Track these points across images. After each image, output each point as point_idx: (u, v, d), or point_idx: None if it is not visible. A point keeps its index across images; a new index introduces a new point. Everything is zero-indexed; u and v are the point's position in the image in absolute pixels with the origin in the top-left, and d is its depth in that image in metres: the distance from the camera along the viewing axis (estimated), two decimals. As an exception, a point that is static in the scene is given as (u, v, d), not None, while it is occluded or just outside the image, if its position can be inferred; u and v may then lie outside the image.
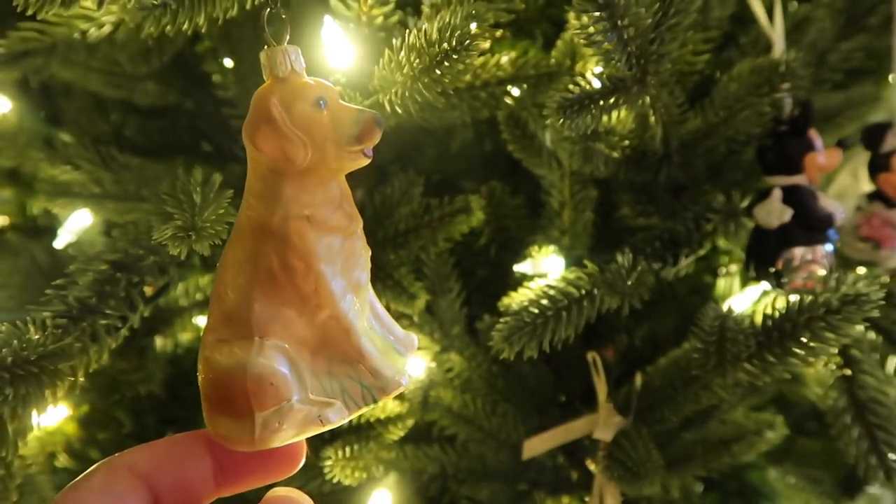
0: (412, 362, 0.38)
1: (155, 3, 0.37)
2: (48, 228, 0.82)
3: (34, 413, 0.35)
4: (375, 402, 0.34)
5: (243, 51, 0.66)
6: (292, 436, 0.32)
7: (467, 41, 0.41)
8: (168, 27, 0.38)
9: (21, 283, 0.75)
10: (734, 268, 0.76)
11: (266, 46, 0.33)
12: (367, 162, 0.33)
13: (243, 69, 0.67)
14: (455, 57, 0.41)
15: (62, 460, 0.63)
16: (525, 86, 0.58)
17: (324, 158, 0.32)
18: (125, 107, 0.76)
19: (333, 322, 0.33)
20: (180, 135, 0.73)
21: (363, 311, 0.35)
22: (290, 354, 0.32)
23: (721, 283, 0.75)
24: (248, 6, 0.40)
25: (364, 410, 0.34)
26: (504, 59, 0.56)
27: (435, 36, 0.41)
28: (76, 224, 0.69)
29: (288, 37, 0.35)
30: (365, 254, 0.35)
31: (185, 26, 0.39)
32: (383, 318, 0.37)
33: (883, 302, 0.43)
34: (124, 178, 0.61)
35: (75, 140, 0.68)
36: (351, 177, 0.37)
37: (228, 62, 0.68)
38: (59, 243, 0.72)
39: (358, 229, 0.34)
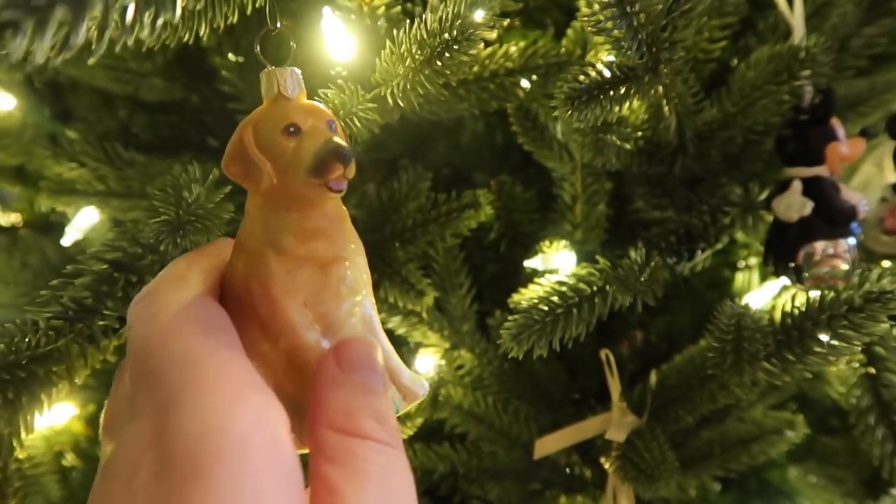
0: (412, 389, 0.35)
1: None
2: (59, 225, 0.82)
3: (28, 417, 0.35)
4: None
5: (248, 45, 0.65)
6: None
7: (469, 31, 0.39)
8: (168, 40, 0.38)
9: (31, 280, 0.75)
10: (753, 262, 0.74)
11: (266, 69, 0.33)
12: (336, 196, 0.32)
13: (248, 64, 0.66)
14: (456, 48, 0.39)
15: (69, 459, 0.63)
16: (535, 76, 0.56)
17: (288, 188, 0.31)
18: (133, 103, 0.76)
19: (295, 352, 0.32)
20: (187, 130, 0.73)
21: None
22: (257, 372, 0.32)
23: (739, 278, 0.73)
24: (248, 11, 0.39)
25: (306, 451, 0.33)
26: (512, 49, 0.55)
27: (436, 26, 0.39)
28: (84, 221, 0.69)
29: (294, 46, 0.34)
30: (346, 290, 0.32)
31: (186, 37, 0.38)
32: (386, 361, 0.34)
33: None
34: (128, 175, 0.61)
35: (81, 137, 0.67)
36: (359, 171, 0.36)
37: (233, 57, 0.68)
38: (67, 241, 0.72)
39: (336, 264, 0.32)
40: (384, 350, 0.34)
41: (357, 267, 0.33)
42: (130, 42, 0.26)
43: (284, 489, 0.25)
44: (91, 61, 0.25)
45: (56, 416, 0.55)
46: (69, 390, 0.40)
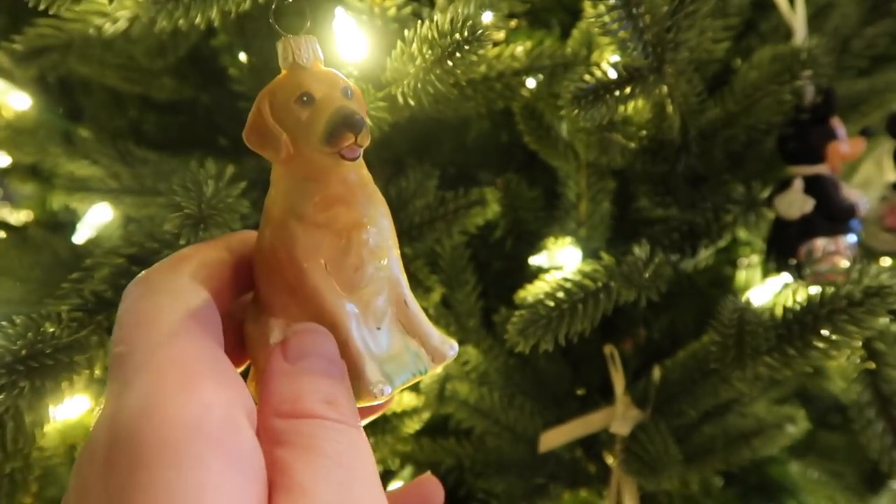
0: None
1: (168, -3, 0.37)
2: (69, 223, 0.83)
3: (50, 406, 0.36)
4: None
5: (258, 45, 0.66)
6: None
7: (479, 32, 0.40)
8: (181, 21, 0.38)
9: (42, 277, 0.76)
10: (755, 259, 0.75)
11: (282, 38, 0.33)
12: (351, 164, 0.32)
13: (259, 63, 0.67)
14: (467, 48, 0.40)
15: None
16: (540, 76, 0.57)
17: (303, 156, 0.31)
18: (143, 102, 0.77)
19: (322, 316, 0.32)
20: (197, 129, 0.74)
21: (365, 310, 0.33)
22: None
23: (741, 275, 0.74)
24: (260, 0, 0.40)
25: None
26: (519, 49, 0.56)
27: (447, 27, 0.40)
28: (95, 219, 0.70)
29: (308, 24, 0.35)
30: (368, 254, 0.33)
31: (198, 20, 0.39)
32: (412, 319, 0.35)
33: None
34: (141, 172, 0.62)
35: (93, 135, 0.68)
36: (368, 168, 0.37)
37: (244, 56, 0.69)
38: (79, 238, 0.73)
39: (357, 229, 0.33)
40: (410, 308, 0.34)
41: (381, 231, 0.33)
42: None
43: (237, 473, 0.25)
44: (117, 22, 0.25)
45: (71, 410, 0.56)
46: (86, 383, 0.41)
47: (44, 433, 0.39)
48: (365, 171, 0.34)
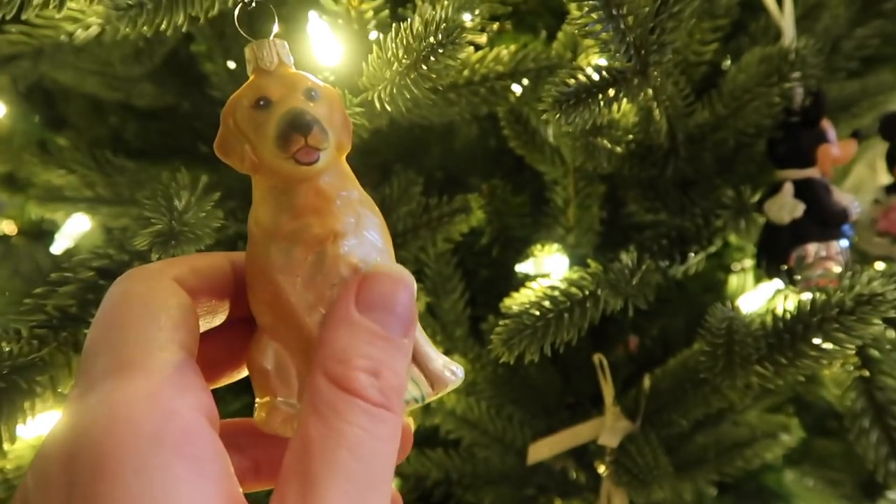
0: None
1: (130, 3, 0.36)
2: (50, 233, 0.82)
3: (10, 427, 0.35)
4: None
5: (238, 50, 0.65)
6: (281, 431, 0.31)
7: (455, 35, 0.39)
8: (146, 28, 0.37)
9: (23, 288, 0.75)
10: (747, 265, 0.74)
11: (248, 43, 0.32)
12: (308, 169, 0.29)
13: (239, 69, 0.66)
14: (442, 52, 0.39)
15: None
16: (526, 80, 0.56)
17: (265, 164, 0.30)
18: (124, 109, 0.76)
19: (297, 334, 0.30)
20: (178, 136, 0.73)
21: None
22: (280, 354, 0.32)
23: (733, 281, 0.73)
24: (229, 3, 0.39)
25: None
26: (503, 52, 0.54)
27: (421, 30, 0.39)
28: (74, 229, 0.68)
29: (275, 27, 0.33)
30: (348, 268, 0.30)
31: (164, 26, 0.38)
32: (414, 345, 0.32)
33: (898, 300, 0.41)
34: (118, 181, 0.61)
35: (71, 144, 0.67)
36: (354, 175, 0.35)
37: (228, 63, 0.67)
38: (57, 248, 0.71)
39: (331, 241, 0.30)
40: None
41: (364, 243, 0.30)
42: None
43: (201, 477, 0.25)
44: (88, 28, 0.24)
45: (43, 426, 0.54)
46: (55, 399, 0.39)
47: (6, 454, 0.37)
48: (346, 177, 0.32)
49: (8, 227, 0.88)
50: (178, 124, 0.73)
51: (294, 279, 0.30)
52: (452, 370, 0.32)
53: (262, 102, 0.29)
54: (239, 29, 0.32)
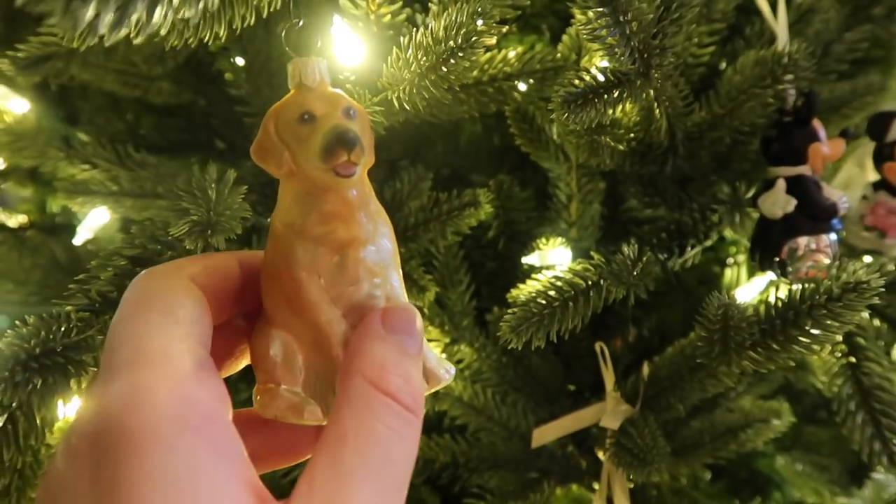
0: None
1: (179, 17, 0.38)
2: (67, 226, 0.84)
3: (60, 403, 0.37)
4: None
5: (255, 49, 0.67)
6: (281, 416, 0.34)
7: (473, 38, 0.42)
8: (191, 39, 0.39)
9: (41, 279, 0.77)
10: (741, 258, 0.77)
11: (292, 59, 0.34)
12: (346, 181, 0.33)
13: (255, 67, 0.68)
14: (461, 54, 0.42)
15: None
16: (532, 80, 0.59)
17: (305, 172, 0.33)
18: (140, 106, 0.78)
19: (316, 329, 0.33)
20: (195, 132, 0.75)
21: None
22: (288, 345, 0.34)
23: (728, 274, 0.76)
24: (265, 14, 0.41)
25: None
26: (510, 54, 0.57)
27: (441, 34, 0.42)
28: (94, 222, 0.71)
29: (319, 44, 0.36)
30: (365, 272, 0.34)
31: (207, 37, 0.40)
32: None
33: (883, 289, 0.44)
34: (141, 175, 0.63)
35: (92, 139, 0.69)
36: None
37: (240, 60, 0.70)
38: (78, 240, 0.74)
39: (354, 246, 0.34)
40: None
41: (380, 250, 0.34)
42: (169, 36, 0.28)
43: (221, 459, 0.27)
44: (138, 40, 0.26)
45: (71, 410, 0.57)
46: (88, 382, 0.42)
47: (52, 430, 0.40)
48: (368, 190, 0.35)
49: (22, 221, 0.91)
50: (193, 121, 0.76)
51: (317, 277, 0.33)
52: (446, 368, 0.36)
53: (306, 117, 0.33)
54: (286, 47, 0.35)
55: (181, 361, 0.29)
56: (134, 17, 0.25)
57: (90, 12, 0.23)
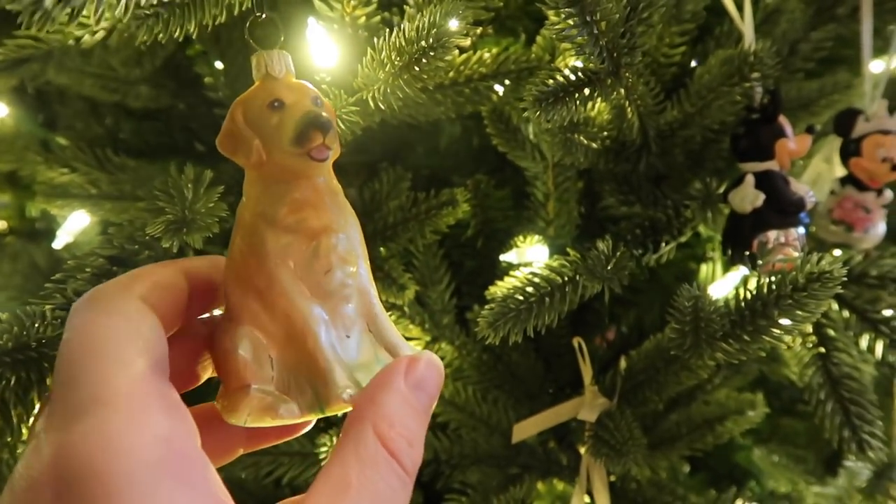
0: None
1: (147, 12, 0.39)
2: (46, 231, 0.84)
3: (35, 398, 0.37)
4: (322, 411, 0.33)
5: (233, 53, 0.68)
6: (251, 420, 0.33)
7: (444, 39, 0.43)
8: (160, 35, 0.40)
9: (21, 284, 0.77)
10: (716, 254, 0.78)
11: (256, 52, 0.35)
12: (319, 165, 0.33)
13: (233, 71, 0.69)
14: (433, 54, 0.42)
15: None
16: (507, 81, 0.60)
17: (274, 160, 0.33)
18: (119, 110, 0.78)
19: (291, 321, 0.33)
20: (174, 136, 0.75)
21: (335, 316, 0.34)
22: (257, 343, 0.34)
23: (704, 269, 0.77)
24: (235, 12, 0.42)
25: (312, 417, 0.34)
26: (486, 55, 0.58)
27: (413, 34, 0.43)
28: (74, 225, 0.71)
29: (282, 38, 0.37)
30: (338, 259, 0.34)
31: (177, 33, 0.41)
32: (383, 332, 0.36)
33: (846, 279, 0.45)
34: (120, 179, 0.63)
35: (71, 143, 0.69)
36: (342, 174, 0.38)
37: (219, 64, 0.70)
38: (58, 244, 0.74)
39: (327, 234, 0.34)
40: (380, 320, 0.35)
41: (350, 239, 0.35)
42: (126, 15, 0.28)
43: (202, 501, 0.26)
44: (96, 33, 0.27)
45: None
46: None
47: (28, 427, 0.40)
48: (335, 182, 0.35)
49: (2, 226, 0.90)
50: (172, 124, 0.76)
51: (290, 267, 0.33)
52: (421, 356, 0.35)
53: (276, 104, 0.33)
54: (249, 40, 0.36)
55: (149, 400, 0.28)
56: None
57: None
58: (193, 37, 0.37)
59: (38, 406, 0.37)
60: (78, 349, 0.29)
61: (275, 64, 0.34)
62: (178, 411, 0.29)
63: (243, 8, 0.39)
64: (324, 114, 0.33)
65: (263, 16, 0.36)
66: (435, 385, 0.33)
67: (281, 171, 0.33)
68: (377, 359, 0.35)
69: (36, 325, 0.37)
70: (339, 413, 0.34)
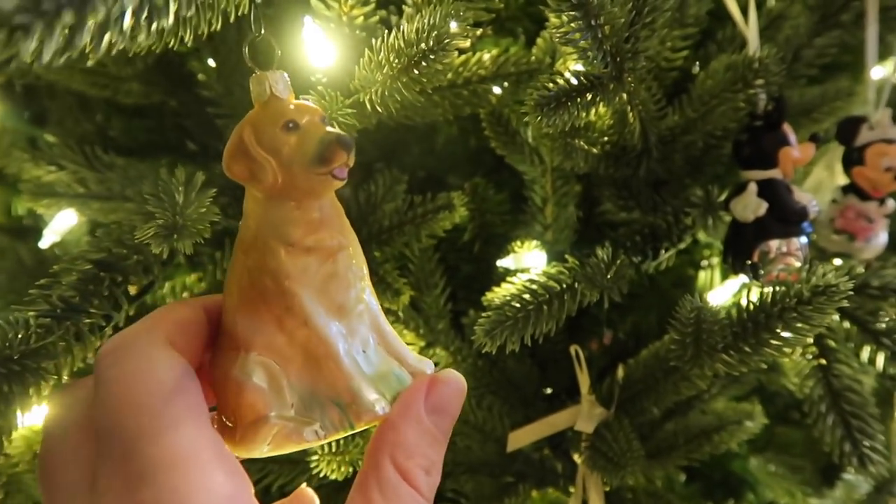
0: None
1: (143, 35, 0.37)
2: (33, 229, 0.82)
3: (18, 412, 0.36)
4: (352, 427, 0.34)
5: (226, 50, 0.66)
6: (270, 449, 0.33)
7: (445, 41, 0.41)
8: (155, 46, 0.39)
9: (6, 283, 0.75)
10: (715, 261, 0.77)
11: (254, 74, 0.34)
12: (339, 184, 0.33)
13: (226, 68, 0.67)
14: (433, 57, 0.41)
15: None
16: (506, 83, 0.59)
17: (293, 180, 0.32)
18: (109, 106, 0.76)
19: (312, 341, 0.33)
20: (165, 134, 0.74)
21: (352, 332, 0.34)
22: (271, 369, 0.33)
23: (702, 277, 0.76)
24: (231, 19, 0.40)
25: (341, 435, 0.34)
26: (485, 57, 0.57)
27: (413, 36, 0.41)
28: (61, 224, 0.69)
29: (279, 54, 0.36)
30: (353, 277, 0.34)
31: (172, 42, 0.39)
32: (390, 343, 0.36)
33: (852, 292, 0.44)
34: (108, 177, 0.62)
35: (60, 140, 0.68)
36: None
37: (212, 62, 0.69)
38: (44, 243, 0.72)
39: (342, 252, 0.34)
40: (387, 333, 0.36)
41: (358, 255, 0.35)
42: (130, 47, 0.27)
43: None
44: (90, 62, 0.26)
45: (36, 418, 0.55)
46: (51, 390, 0.41)
47: (11, 440, 0.39)
48: (335, 198, 0.35)
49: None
50: (164, 122, 0.74)
51: (309, 288, 0.33)
52: (427, 363, 0.37)
53: (291, 125, 0.33)
54: (248, 62, 0.35)
55: (209, 459, 0.29)
56: (82, 42, 0.24)
57: (33, 44, 0.22)
58: (189, 44, 0.36)
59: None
60: (122, 409, 0.29)
61: (279, 84, 0.34)
62: (232, 463, 0.30)
63: (240, 14, 0.38)
64: (343, 132, 0.33)
65: (261, 31, 0.36)
66: (456, 406, 0.34)
67: (294, 192, 0.33)
68: (391, 369, 0.36)
69: (19, 335, 0.35)
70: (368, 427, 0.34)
